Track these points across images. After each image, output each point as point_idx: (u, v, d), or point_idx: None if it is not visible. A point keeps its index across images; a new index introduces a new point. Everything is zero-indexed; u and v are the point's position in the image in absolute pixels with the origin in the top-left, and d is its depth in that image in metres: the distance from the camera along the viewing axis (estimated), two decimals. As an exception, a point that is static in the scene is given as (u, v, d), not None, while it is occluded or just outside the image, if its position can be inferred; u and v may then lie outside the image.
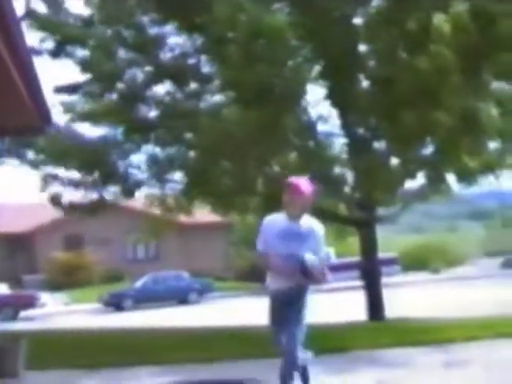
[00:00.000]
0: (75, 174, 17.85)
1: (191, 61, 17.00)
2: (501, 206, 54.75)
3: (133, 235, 39.11)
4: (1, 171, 21.82)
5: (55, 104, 16.64)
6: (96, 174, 17.54)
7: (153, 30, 16.96)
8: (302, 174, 16.29)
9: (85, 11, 17.53)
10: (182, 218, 20.11)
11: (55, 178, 17.87)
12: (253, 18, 12.58)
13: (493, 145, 15.00)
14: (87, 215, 19.41)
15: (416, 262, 45.07)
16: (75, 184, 17.87)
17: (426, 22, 11.76)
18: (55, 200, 18.29)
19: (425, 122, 12.34)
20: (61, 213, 19.89)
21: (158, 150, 17.42)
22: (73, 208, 18.66)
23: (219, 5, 12.84)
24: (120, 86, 16.97)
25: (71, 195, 18.70)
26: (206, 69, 16.84)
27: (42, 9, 17.25)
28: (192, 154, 16.71)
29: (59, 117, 17.01)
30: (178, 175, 17.49)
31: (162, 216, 19.02)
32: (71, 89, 17.79)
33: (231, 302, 33.68)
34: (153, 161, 17.18)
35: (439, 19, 11.54)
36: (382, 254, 22.63)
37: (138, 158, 18.00)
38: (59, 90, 17.90)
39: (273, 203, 17.06)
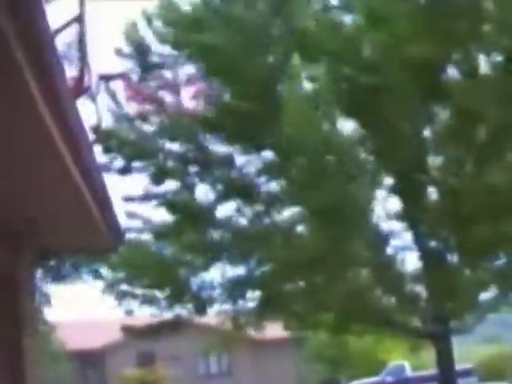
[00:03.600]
0: (148, 292, 18.03)
1: (259, 179, 17.27)
2: None
3: (204, 349, 38.96)
4: (72, 288, 22.11)
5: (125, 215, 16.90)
6: (168, 291, 17.69)
7: (220, 149, 17.36)
8: (374, 289, 16.46)
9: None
10: (254, 333, 20.06)
11: (129, 295, 18.07)
12: (321, 136, 12.87)
13: None
14: (161, 335, 19.56)
15: (493, 372, 43.79)
16: (149, 302, 18.03)
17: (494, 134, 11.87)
18: (127, 329, 18.56)
19: (497, 235, 12.31)
20: (135, 337, 20.07)
21: (228, 268, 17.56)
22: (146, 331, 18.84)
23: (288, 122, 13.16)
24: (191, 204, 17.24)
25: (143, 314, 18.85)
26: (273, 186, 17.09)
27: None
28: (264, 271, 16.81)
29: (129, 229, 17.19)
30: (249, 293, 17.55)
31: (234, 332, 19.03)
32: (142, 198, 17.98)
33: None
34: (225, 279, 17.31)
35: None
36: (457, 366, 22.13)
37: (210, 275, 18.13)
38: (128, 199, 18.02)
39: (345, 319, 17.11)
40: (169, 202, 16.86)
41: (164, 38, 16.79)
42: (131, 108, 17.10)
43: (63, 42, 11.35)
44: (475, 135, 12.57)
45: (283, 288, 15.62)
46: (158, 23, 16.79)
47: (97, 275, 19.14)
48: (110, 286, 18.32)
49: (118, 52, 16.88)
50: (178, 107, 16.21)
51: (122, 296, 18.10)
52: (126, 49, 17.17)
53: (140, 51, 17.09)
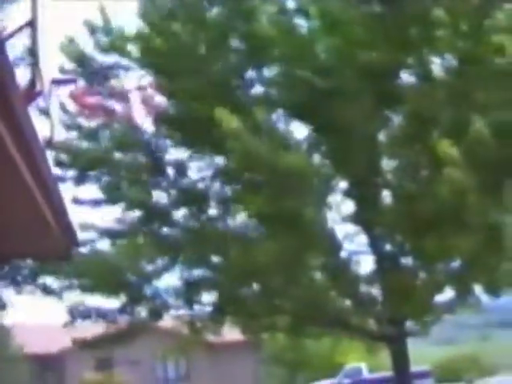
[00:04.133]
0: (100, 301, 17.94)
1: (212, 184, 17.23)
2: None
3: (162, 354, 38.83)
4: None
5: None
6: (123, 298, 17.58)
7: (173, 155, 17.30)
8: (329, 292, 16.52)
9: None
10: (212, 337, 20.01)
11: (81, 309, 17.92)
12: (269, 160, 12.86)
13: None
14: (116, 344, 19.49)
15: (449, 373, 44.21)
16: (102, 314, 17.93)
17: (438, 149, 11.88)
18: (79, 341, 18.48)
19: (447, 245, 12.46)
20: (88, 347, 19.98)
21: (184, 272, 17.49)
22: (100, 342, 18.74)
23: (233, 143, 13.07)
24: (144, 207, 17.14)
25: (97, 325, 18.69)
26: (227, 191, 17.06)
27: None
28: (220, 275, 16.78)
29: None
30: (205, 297, 17.51)
31: (191, 337, 18.98)
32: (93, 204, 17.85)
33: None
34: (181, 283, 17.25)
35: (445, 145, 11.70)
36: (413, 368, 22.27)
37: (166, 281, 18.04)
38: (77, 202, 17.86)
39: (301, 322, 17.15)
40: (126, 198, 16.73)
41: (108, 47, 16.65)
42: (82, 117, 16.96)
43: (15, 46, 11.25)
44: (429, 138, 12.63)
45: (239, 292, 15.59)
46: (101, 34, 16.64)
47: (46, 289, 18.73)
48: (59, 297, 18.12)
49: (61, 69, 16.66)
50: (128, 115, 16.09)
51: (73, 312, 17.96)
52: (69, 65, 16.96)
53: (83, 64, 16.92)
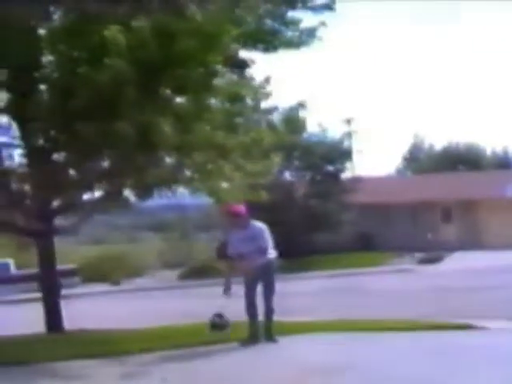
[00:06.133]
0: None
1: None
2: (180, 218, 56.16)
3: None
4: None
5: None
6: None
7: None
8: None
9: None
10: None
11: None
12: None
13: (169, 160, 15.58)
14: None
15: (96, 273, 45.05)
16: None
17: (104, 36, 12.09)
18: None
19: (102, 135, 12.63)
20: None
21: None
22: None
23: None
24: None
25: None
26: None
27: None
28: None
29: None
30: None
31: None
32: None
33: None
34: None
35: (113, 31, 11.93)
36: (61, 266, 22.49)
37: None
38: None
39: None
40: None
41: None
42: None
43: None
44: (91, 36, 12.65)
45: None
46: None
47: None
48: None
49: None
50: None
51: None
52: None
53: None
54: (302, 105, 16.96)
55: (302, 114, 17.22)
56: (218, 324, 12.64)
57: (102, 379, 10.50)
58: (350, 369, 10.01)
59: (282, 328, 13.09)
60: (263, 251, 12.40)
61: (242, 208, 12.86)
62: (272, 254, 12.63)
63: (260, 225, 12.71)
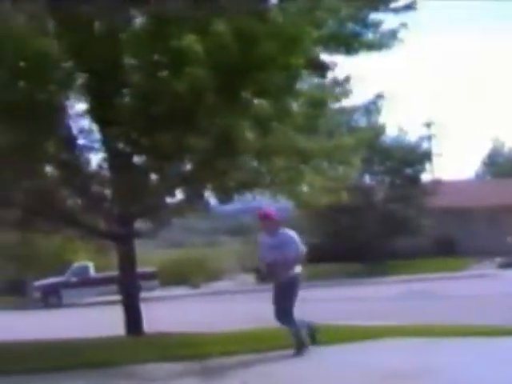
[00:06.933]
0: None
1: None
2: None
3: None
4: None
5: None
6: None
7: None
8: (62, 187, 16.27)
9: None
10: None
11: None
12: (19, 42, 12.37)
13: (250, 164, 15.52)
14: None
15: (175, 276, 45.36)
16: None
17: (182, 43, 12.08)
18: None
19: (179, 145, 12.64)
20: None
21: None
22: None
23: None
24: None
25: None
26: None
27: None
28: None
29: None
30: None
31: None
32: None
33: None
34: None
35: (190, 40, 11.89)
36: (140, 269, 22.65)
37: None
38: None
39: (31, 216, 16.78)
40: None
41: None
42: None
43: None
44: (171, 39, 12.66)
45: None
46: None
47: None
48: None
49: None
50: None
51: None
52: None
53: None
54: (380, 97, 16.92)
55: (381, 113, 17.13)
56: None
57: (183, 382, 10.48)
58: (425, 373, 9.84)
59: (359, 333, 12.87)
60: (288, 262, 11.86)
61: (271, 211, 12.45)
62: (297, 268, 12.09)
63: (290, 233, 12.20)
